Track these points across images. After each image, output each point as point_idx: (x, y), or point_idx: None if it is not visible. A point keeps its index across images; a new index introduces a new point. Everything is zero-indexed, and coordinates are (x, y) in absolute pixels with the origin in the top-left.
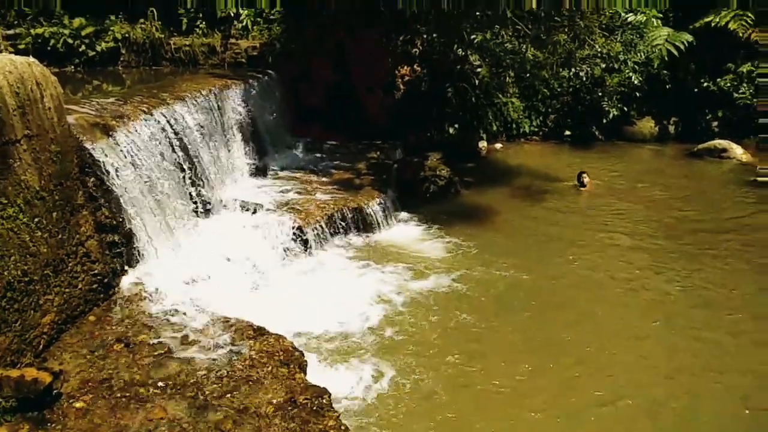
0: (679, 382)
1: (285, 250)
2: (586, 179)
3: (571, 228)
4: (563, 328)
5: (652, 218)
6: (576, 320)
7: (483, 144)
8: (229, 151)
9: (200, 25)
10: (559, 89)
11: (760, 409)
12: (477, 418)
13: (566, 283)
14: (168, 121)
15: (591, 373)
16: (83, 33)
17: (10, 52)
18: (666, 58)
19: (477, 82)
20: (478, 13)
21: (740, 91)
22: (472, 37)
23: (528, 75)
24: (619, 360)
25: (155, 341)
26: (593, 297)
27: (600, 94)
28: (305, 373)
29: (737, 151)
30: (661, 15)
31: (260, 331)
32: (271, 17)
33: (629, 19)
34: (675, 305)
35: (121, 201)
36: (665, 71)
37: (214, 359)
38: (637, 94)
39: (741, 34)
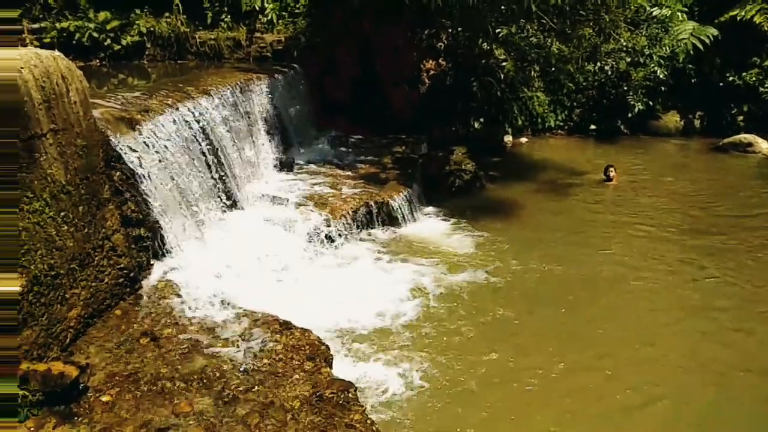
0: (709, 379)
1: (311, 244)
2: (612, 173)
3: (597, 222)
4: (594, 324)
5: (678, 212)
6: (606, 315)
7: (508, 138)
8: (254, 145)
9: (225, 19)
10: (584, 83)
11: None
12: (510, 415)
13: (595, 278)
14: (193, 115)
15: (625, 369)
16: (108, 27)
17: (36, 46)
18: (691, 52)
19: (502, 76)
20: (503, 7)
21: (766, 85)
22: (497, 31)
23: (553, 69)
24: (649, 355)
25: (181, 335)
26: (622, 291)
27: (625, 88)
28: (331, 367)
29: (763, 145)
30: (686, 9)
31: (286, 325)
32: (296, 11)
33: (654, 13)
34: (704, 299)
35: (147, 195)
36: (690, 65)
37: (240, 353)
38: (663, 89)
39: (766, 28)
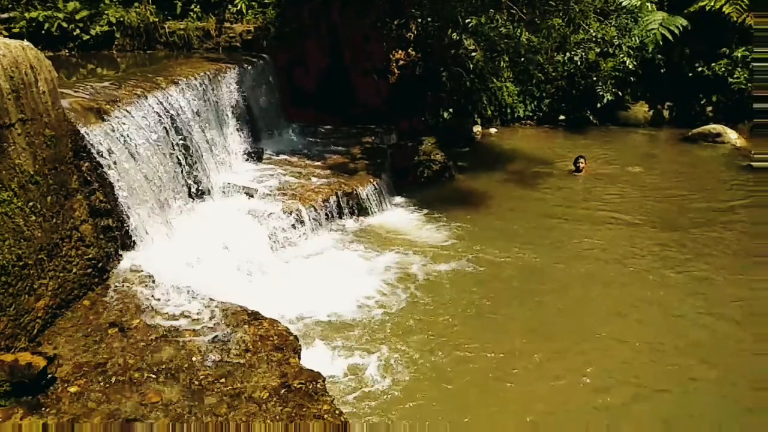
0: (678, 369)
1: (280, 234)
2: (582, 164)
3: (567, 213)
4: (565, 314)
5: (648, 202)
6: (576, 306)
7: (477, 128)
8: (223, 135)
9: (195, 9)
10: (553, 74)
11: (759, 388)
12: (484, 406)
13: (566, 268)
14: (162, 106)
15: (597, 361)
16: (77, 17)
17: (5, 36)
18: (660, 43)
19: (471, 66)
20: None
21: (734, 76)
22: (467, 21)
23: (522, 59)
24: (620, 347)
25: (149, 326)
26: (592, 282)
27: (594, 78)
28: (300, 358)
29: (731, 135)
30: None
31: (254, 316)
32: (266, 1)
33: (624, 3)
34: (674, 290)
35: (115, 185)
36: (660, 56)
37: (208, 344)
38: (632, 79)
39: (735, 18)
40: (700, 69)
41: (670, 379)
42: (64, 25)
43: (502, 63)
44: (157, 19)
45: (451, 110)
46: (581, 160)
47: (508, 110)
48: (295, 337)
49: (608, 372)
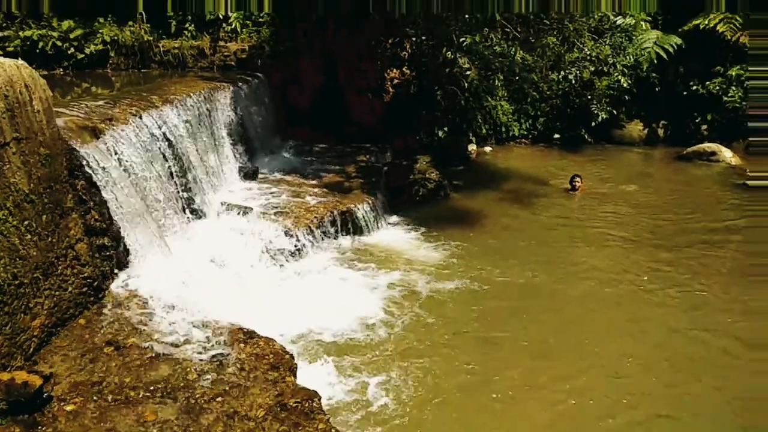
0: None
1: (275, 254)
2: (578, 183)
3: (563, 231)
4: (562, 334)
5: (643, 221)
6: (574, 326)
7: (472, 147)
8: (218, 154)
9: (189, 28)
10: (548, 92)
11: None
12: (483, 427)
13: (562, 288)
14: (157, 124)
15: (596, 380)
16: (72, 35)
17: None
18: (655, 61)
19: (466, 85)
20: (467, 16)
21: (729, 95)
22: (461, 40)
23: (517, 78)
24: (621, 366)
25: (145, 344)
26: (589, 301)
27: (589, 97)
28: (295, 376)
29: (726, 154)
30: (649, 18)
31: (250, 335)
32: (260, 20)
33: (618, 22)
34: (671, 309)
35: (110, 204)
36: (654, 74)
37: (204, 362)
38: (626, 98)
39: (730, 37)
40: (694, 87)
41: (670, 400)
42: (59, 43)
43: (496, 81)
44: (151, 38)
45: (445, 129)
46: (577, 178)
47: (503, 129)
48: (291, 355)
49: (611, 394)
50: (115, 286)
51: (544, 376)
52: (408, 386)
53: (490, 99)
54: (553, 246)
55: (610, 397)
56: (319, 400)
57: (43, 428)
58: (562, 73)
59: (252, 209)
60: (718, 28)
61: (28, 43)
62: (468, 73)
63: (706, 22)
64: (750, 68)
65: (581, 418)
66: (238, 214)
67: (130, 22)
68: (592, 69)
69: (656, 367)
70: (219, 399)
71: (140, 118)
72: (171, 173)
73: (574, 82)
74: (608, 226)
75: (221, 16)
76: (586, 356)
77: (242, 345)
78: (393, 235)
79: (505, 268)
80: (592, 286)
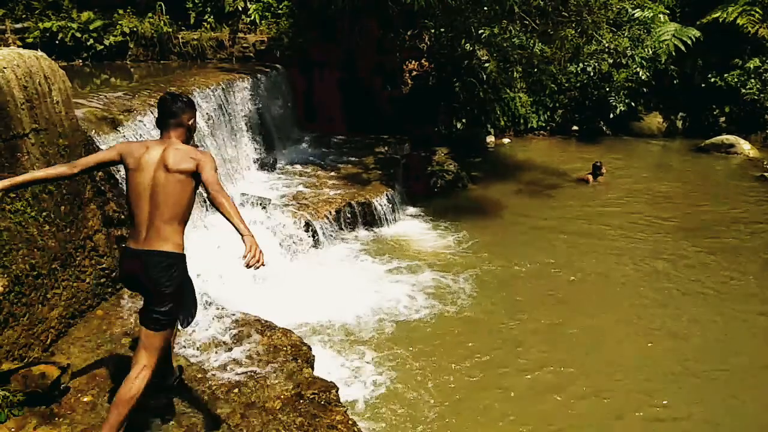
0: (690, 381)
1: (294, 245)
2: (604, 170)
3: (582, 223)
4: (583, 327)
5: (662, 213)
6: (595, 320)
7: (491, 139)
8: (237, 145)
9: (208, 20)
10: (566, 84)
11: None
12: (498, 420)
13: (582, 280)
14: None
15: (617, 374)
16: (91, 27)
17: (18, 46)
18: (673, 54)
19: (484, 77)
20: (485, 8)
21: (747, 87)
22: (480, 32)
23: (535, 70)
24: (642, 361)
25: None
26: (610, 293)
27: (607, 89)
28: (313, 368)
29: (744, 146)
30: (668, 11)
31: (268, 326)
32: (279, 11)
33: (636, 15)
34: (687, 298)
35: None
36: (672, 66)
37: (221, 353)
38: (645, 90)
39: (749, 30)
40: (713, 80)
41: (694, 393)
42: (78, 35)
43: (515, 73)
44: (170, 30)
45: (464, 120)
46: (600, 167)
47: (521, 120)
48: (308, 347)
49: (632, 394)
50: None
51: (564, 377)
52: (424, 381)
53: (508, 91)
54: (572, 237)
55: (633, 399)
56: (337, 391)
57: (61, 419)
58: (581, 65)
59: (270, 200)
60: (737, 20)
61: (47, 34)
62: (486, 65)
63: (725, 15)
64: None
65: (590, 411)
66: (256, 205)
67: (150, 14)
68: (611, 61)
69: (685, 366)
70: (236, 390)
71: None
72: None
73: (592, 74)
74: (627, 218)
75: (240, 8)
76: (602, 352)
77: (260, 336)
78: (411, 226)
79: (524, 259)
80: (611, 279)
